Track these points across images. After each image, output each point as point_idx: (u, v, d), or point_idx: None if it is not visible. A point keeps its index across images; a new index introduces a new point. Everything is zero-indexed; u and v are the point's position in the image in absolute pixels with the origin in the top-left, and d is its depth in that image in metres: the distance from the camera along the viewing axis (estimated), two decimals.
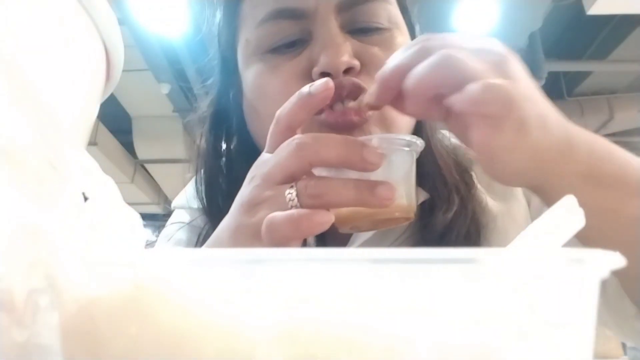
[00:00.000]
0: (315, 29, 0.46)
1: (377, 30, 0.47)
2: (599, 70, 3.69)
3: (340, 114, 0.43)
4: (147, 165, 4.85)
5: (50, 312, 0.21)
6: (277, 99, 0.43)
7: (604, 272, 0.15)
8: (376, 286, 0.14)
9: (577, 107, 3.93)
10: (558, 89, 3.89)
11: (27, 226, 0.20)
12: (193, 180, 0.60)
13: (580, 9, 2.47)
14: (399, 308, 0.14)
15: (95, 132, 3.79)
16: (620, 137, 4.17)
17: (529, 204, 0.53)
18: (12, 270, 0.19)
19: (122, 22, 2.37)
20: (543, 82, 3.44)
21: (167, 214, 0.64)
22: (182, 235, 0.57)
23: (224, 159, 0.57)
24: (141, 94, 3.77)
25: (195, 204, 0.57)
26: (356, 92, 0.42)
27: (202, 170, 0.56)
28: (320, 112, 0.43)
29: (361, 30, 0.47)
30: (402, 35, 0.49)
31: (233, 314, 0.14)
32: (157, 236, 0.62)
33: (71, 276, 0.17)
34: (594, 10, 2.35)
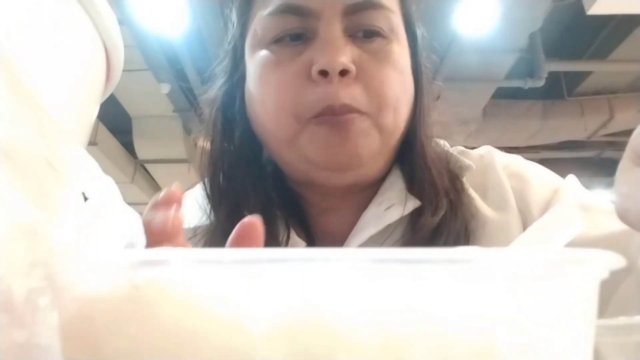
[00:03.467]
0: (319, 28, 0.48)
1: (378, 37, 0.49)
2: (599, 70, 3.69)
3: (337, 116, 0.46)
4: (147, 165, 4.85)
5: (50, 312, 0.21)
6: (277, 95, 0.48)
7: (604, 273, 0.15)
8: (375, 285, 0.14)
9: (577, 107, 3.92)
10: (558, 89, 3.90)
11: (26, 226, 0.20)
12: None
13: (580, 9, 2.47)
14: (396, 307, 0.14)
15: (95, 132, 3.79)
16: (620, 137, 4.17)
17: (523, 216, 0.52)
18: (12, 270, 0.19)
19: (122, 22, 2.37)
20: (543, 82, 3.44)
21: None
22: None
23: (232, 147, 0.56)
24: (141, 94, 3.77)
25: (186, 223, 0.56)
26: (348, 111, 0.46)
27: (213, 168, 0.55)
28: (318, 116, 0.46)
29: (362, 35, 0.49)
30: (400, 46, 0.51)
31: (233, 313, 0.14)
32: None
33: (71, 276, 0.17)
34: (594, 10, 2.35)
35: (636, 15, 2.69)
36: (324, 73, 0.46)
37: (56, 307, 0.17)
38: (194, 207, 0.56)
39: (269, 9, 0.49)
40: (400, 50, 0.50)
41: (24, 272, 0.19)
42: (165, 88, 3.54)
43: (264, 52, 0.50)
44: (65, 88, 0.28)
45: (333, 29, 0.47)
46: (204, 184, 0.55)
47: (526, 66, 3.38)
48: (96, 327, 0.15)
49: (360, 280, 0.14)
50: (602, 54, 3.52)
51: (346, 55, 0.46)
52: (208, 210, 0.54)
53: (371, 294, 0.14)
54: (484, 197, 0.53)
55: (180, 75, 3.47)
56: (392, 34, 0.50)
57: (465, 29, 2.88)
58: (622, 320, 0.24)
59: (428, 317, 0.14)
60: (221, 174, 0.55)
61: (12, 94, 0.21)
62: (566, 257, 0.15)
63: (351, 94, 0.46)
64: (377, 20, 0.49)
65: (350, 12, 0.48)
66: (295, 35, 0.49)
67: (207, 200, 0.54)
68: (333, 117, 0.46)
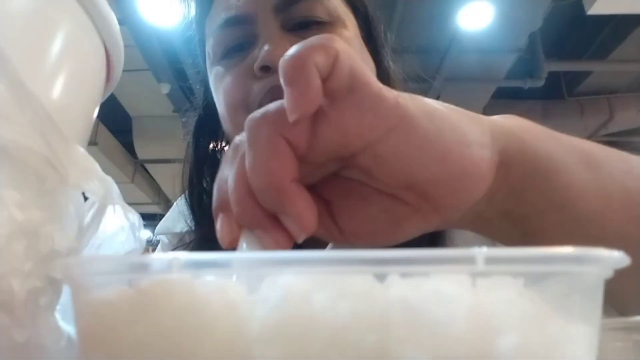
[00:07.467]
0: (258, 31, 0.50)
1: (316, 24, 0.50)
2: (599, 70, 3.69)
3: None
4: (147, 165, 4.85)
5: (50, 312, 0.21)
6: (228, 96, 0.50)
7: (608, 271, 0.15)
8: (370, 286, 0.14)
9: (577, 107, 3.92)
10: (558, 89, 3.90)
11: (27, 226, 0.20)
12: (175, 203, 0.64)
13: (580, 9, 2.47)
14: (393, 307, 0.14)
15: (95, 132, 3.79)
16: (620, 137, 4.17)
17: None
18: (12, 270, 0.19)
19: (122, 22, 2.37)
20: (543, 82, 3.44)
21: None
22: None
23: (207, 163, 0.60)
24: (141, 94, 3.77)
25: (179, 227, 0.58)
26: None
27: (190, 178, 0.59)
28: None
29: (300, 25, 0.50)
30: (345, 28, 0.51)
31: (231, 314, 0.14)
32: (157, 237, 0.62)
33: (82, 280, 0.17)
34: (594, 10, 2.35)
35: (636, 15, 2.69)
36: (265, 68, 0.47)
37: (74, 309, 0.18)
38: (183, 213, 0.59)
39: (213, 29, 0.53)
40: (345, 33, 0.50)
41: (24, 272, 0.19)
42: (165, 88, 3.54)
43: (215, 69, 0.53)
44: (65, 88, 0.28)
45: (270, 27, 0.49)
46: (189, 195, 0.58)
47: (526, 66, 3.38)
48: (106, 328, 0.16)
49: (355, 281, 0.14)
50: (602, 54, 3.53)
51: (285, 47, 0.46)
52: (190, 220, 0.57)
53: (367, 294, 0.14)
54: None
55: (180, 75, 3.47)
56: (332, 17, 0.50)
57: (466, 29, 2.88)
58: (622, 320, 0.24)
59: (425, 317, 0.14)
60: (201, 188, 0.58)
61: (12, 94, 0.21)
62: (568, 255, 0.15)
63: None
64: (311, 10, 0.50)
65: (282, 8, 0.49)
66: (239, 46, 0.51)
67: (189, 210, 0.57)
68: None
